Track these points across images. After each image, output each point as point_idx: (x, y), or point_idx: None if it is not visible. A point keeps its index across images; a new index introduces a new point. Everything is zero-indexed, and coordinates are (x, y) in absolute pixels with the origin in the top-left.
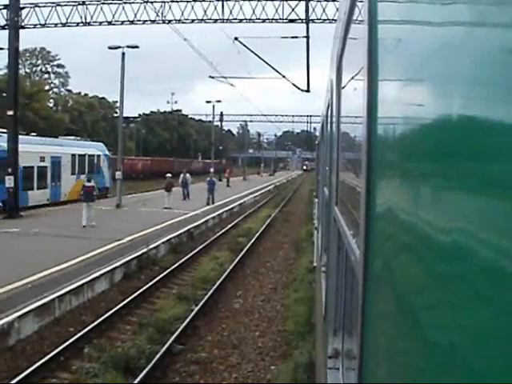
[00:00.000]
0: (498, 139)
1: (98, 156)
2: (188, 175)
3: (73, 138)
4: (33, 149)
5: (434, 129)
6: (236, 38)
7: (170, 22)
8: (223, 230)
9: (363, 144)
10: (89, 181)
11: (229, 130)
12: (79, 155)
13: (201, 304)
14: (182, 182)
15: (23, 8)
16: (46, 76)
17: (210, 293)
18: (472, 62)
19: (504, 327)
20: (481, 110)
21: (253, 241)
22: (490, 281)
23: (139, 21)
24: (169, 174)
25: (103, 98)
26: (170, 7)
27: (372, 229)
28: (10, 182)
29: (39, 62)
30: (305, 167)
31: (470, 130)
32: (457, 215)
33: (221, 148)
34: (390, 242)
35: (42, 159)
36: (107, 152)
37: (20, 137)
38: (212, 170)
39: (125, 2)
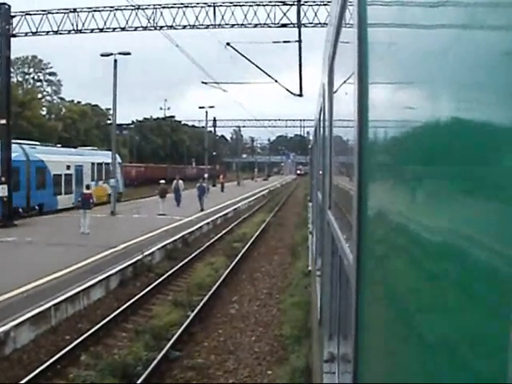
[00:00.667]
0: (489, 141)
1: (108, 163)
2: (181, 181)
3: (90, 148)
4: (61, 159)
5: (425, 132)
6: (228, 44)
7: (161, 28)
8: (218, 236)
9: (355, 148)
10: (87, 188)
11: (222, 136)
12: (97, 163)
13: (197, 310)
14: (174, 189)
15: (14, 16)
16: (39, 84)
17: (205, 299)
18: (462, 65)
19: (497, 328)
20: (472, 112)
21: (248, 246)
22: (483, 282)
23: (131, 27)
24: (162, 181)
25: (96, 105)
26: (161, 13)
27: (364, 233)
28: (3, 190)
29: (31, 70)
30: (298, 171)
31: (461, 132)
32: (449, 217)
33: (214, 153)
34: (382, 246)
35: (68, 167)
36: (120, 160)
37: (50, 148)
38: (206, 175)
39: (116, 9)
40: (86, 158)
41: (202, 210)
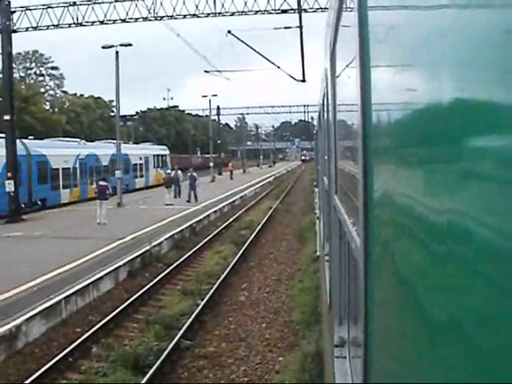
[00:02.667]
0: (493, 123)
1: (165, 155)
2: (179, 172)
3: (150, 143)
4: (137, 152)
5: (429, 114)
6: (229, 32)
7: (162, 18)
8: (225, 224)
9: (359, 132)
10: (103, 180)
11: (226, 124)
12: (156, 155)
13: (206, 298)
14: (173, 180)
15: (14, 11)
16: (41, 79)
17: (214, 287)
18: (464, 47)
19: (506, 308)
20: (474, 94)
21: (255, 233)
22: (490, 263)
23: (131, 19)
24: (168, 171)
25: (99, 97)
26: (161, 3)
27: (371, 216)
28: (10, 186)
29: (33, 65)
30: (303, 157)
31: (464, 114)
32: (454, 199)
33: (219, 142)
34: (389, 229)
35: (141, 158)
36: (168, 152)
37: (130, 145)
38: (212, 164)
39: (116, 1)
40: (149, 151)
41: (196, 200)
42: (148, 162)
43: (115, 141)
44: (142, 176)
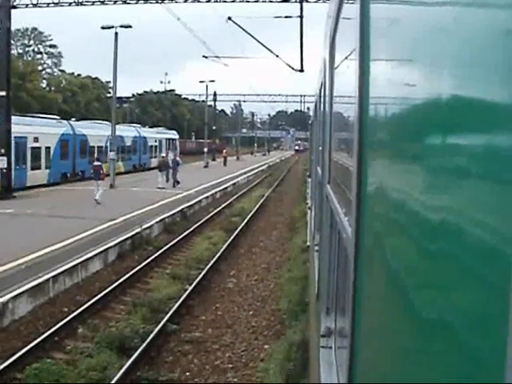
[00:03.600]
0: (490, 119)
1: (174, 139)
2: (171, 155)
3: (162, 128)
4: (153, 136)
5: (426, 109)
6: (229, 18)
7: (163, 1)
8: (217, 210)
9: (355, 124)
10: (98, 160)
11: (222, 110)
12: (167, 138)
13: (194, 284)
14: (166, 163)
15: None
16: (39, 56)
17: (203, 272)
18: (464, 43)
19: (495, 306)
20: (473, 91)
21: (246, 220)
22: (480, 259)
23: (132, 0)
24: (163, 154)
25: (96, 78)
26: None
27: (364, 207)
28: (2, 162)
29: (31, 42)
30: (297, 147)
31: (462, 111)
32: (448, 194)
33: (214, 128)
34: (381, 220)
35: (156, 141)
36: (177, 136)
37: (148, 129)
38: (206, 149)
39: None
40: (163, 135)
41: (177, 183)
42: (161, 145)
43: (136, 125)
44: (155, 157)
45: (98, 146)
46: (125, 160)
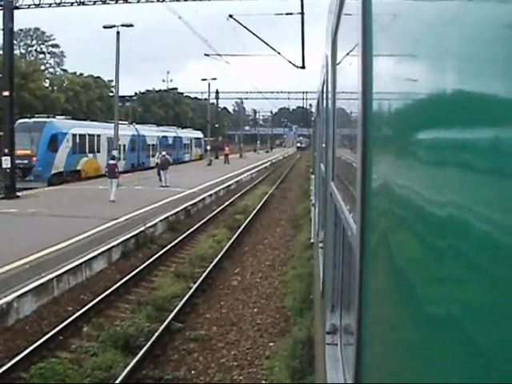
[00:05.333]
0: (493, 114)
1: (200, 138)
2: (167, 156)
3: (190, 129)
4: (186, 135)
5: (429, 104)
6: (230, 16)
7: (164, 0)
8: (220, 208)
9: (358, 120)
10: (112, 159)
11: (224, 108)
12: (195, 138)
13: (199, 282)
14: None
15: None
16: (41, 56)
17: (207, 270)
18: (467, 38)
19: (500, 300)
20: (475, 86)
21: (250, 218)
22: (485, 254)
23: None
24: (164, 152)
25: (98, 77)
26: None
27: (368, 204)
28: (6, 162)
29: (34, 42)
30: (299, 144)
31: (465, 105)
32: (452, 190)
33: (217, 125)
34: (386, 217)
35: (187, 140)
36: (202, 136)
37: (182, 130)
38: (209, 147)
39: None
40: (192, 135)
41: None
42: (191, 143)
43: (173, 127)
44: (187, 153)
45: (152, 144)
46: (169, 155)
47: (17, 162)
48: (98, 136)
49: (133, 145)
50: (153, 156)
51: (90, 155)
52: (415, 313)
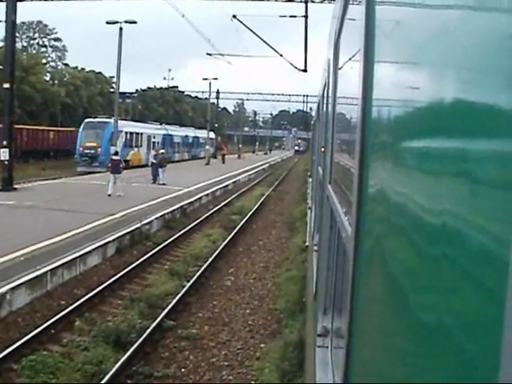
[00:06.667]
0: (494, 123)
1: (214, 138)
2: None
3: (205, 130)
4: (201, 135)
5: (429, 112)
6: (234, 16)
7: None
8: (217, 208)
9: (358, 125)
10: (116, 154)
11: (225, 108)
12: (210, 138)
13: (192, 280)
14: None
15: None
16: (43, 50)
17: (201, 269)
18: (469, 46)
19: (490, 309)
20: (476, 94)
21: (246, 219)
22: (479, 263)
23: None
24: (162, 150)
25: (100, 72)
26: None
27: (364, 208)
28: (5, 154)
29: (36, 35)
30: (297, 147)
31: (465, 113)
32: (448, 198)
33: (216, 125)
34: (381, 222)
35: (202, 139)
36: (214, 136)
37: (199, 130)
38: (207, 147)
39: None
40: (203, 134)
41: (156, 182)
42: (205, 142)
43: (191, 128)
44: (203, 150)
45: (177, 142)
46: (188, 152)
47: (85, 151)
48: (141, 134)
49: (164, 142)
50: (178, 152)
51: (136, 149)
52: (406, 318)
